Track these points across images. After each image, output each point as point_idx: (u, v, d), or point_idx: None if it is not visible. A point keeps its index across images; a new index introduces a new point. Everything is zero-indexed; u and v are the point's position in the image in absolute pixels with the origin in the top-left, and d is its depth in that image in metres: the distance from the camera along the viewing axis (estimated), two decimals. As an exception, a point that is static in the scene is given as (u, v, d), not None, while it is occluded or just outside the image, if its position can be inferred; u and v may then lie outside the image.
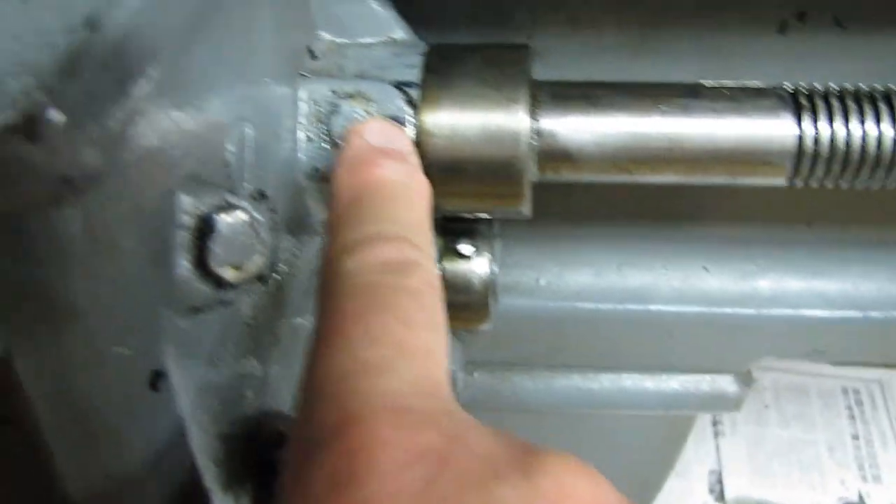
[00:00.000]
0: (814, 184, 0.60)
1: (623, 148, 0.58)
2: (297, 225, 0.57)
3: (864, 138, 0.58)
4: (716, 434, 1.64)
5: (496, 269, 0.69)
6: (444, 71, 0.58)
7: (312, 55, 0.59)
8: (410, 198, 0.49)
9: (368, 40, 0.61)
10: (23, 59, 0.32)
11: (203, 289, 0.41)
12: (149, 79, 0.34)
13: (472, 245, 0.67)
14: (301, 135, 0.57)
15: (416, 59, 0.58)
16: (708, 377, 0.87)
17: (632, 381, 0.88)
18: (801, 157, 0.58)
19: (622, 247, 0.82)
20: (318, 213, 0.60)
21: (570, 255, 0.82)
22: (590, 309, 0.81)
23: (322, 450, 0.36)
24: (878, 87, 0.60)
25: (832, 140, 0.58)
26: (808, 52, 0.69)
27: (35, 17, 0.35)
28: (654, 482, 1.11)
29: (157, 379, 0.40)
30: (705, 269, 0.82)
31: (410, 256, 0.44)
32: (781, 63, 0.69)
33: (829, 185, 0.60)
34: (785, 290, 0.81)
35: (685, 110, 0.58)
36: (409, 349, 0.40)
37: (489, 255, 0.68)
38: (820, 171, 0.59)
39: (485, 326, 0.70)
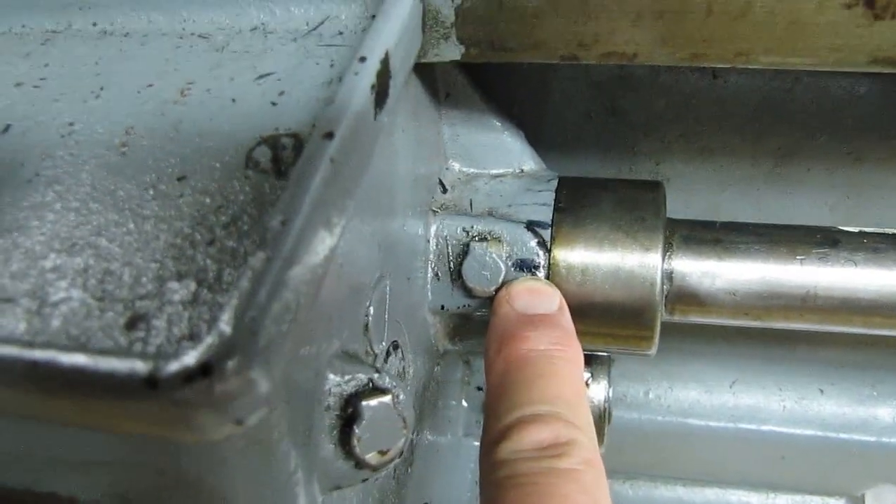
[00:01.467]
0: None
1: (755, 296, 0.56)
2: (421, 359, 0.57)
3: None
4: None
5: (611, 394, 0.67)
6: (576, 211, 0.57)
7: (443, 188, 0.59)
8: (560, 370, 0.48)
9: (498, 171, 0.61)
10: (183, 258, 0.32)
11: (345, 468, 0.41)
12: (311, 294, 0.33)
13: (590, 372, 0.66)
14: (429, 272, 0.56)
15: (548, 196, 0.57)
16: (818, 499, 0.84)
17: (737, 498, 0.85)
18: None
19: (735, 364, 0.80)
20: (439, 343, 0.59)
21: (679, 369, 0.80)
22: (699, 425, 0.79)
23: None
24: None
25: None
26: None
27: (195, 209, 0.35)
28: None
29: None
30: (821, 391, 0.79)
31: (564, 436, 0.44)
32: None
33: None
34: (905, 417, 0.78)
35: (823, 261, 0.56)
36: None
37: (606, 383, 0.67)
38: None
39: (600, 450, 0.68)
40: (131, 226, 0.36)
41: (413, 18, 0.45)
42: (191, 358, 0.28)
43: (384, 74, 0.40)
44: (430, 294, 0.56)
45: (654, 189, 0.58)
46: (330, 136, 0.36)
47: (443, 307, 0.57)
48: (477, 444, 0.67)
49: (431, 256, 0.56)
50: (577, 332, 0.56)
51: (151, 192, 0.39)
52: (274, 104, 0.42)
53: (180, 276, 0.34)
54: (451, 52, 0.49)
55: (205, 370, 0.28)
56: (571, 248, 0.55)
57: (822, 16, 0.45)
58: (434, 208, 0.57)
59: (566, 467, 0.42)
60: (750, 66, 0.47)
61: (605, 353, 0.67)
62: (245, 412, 0.29)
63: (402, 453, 0.42)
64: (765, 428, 0.79)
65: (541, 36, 0.48)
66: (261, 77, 0.45)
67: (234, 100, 0.43)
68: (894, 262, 0.56)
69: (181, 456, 0.35)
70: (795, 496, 0.84)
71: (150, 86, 0.46)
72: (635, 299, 0.55)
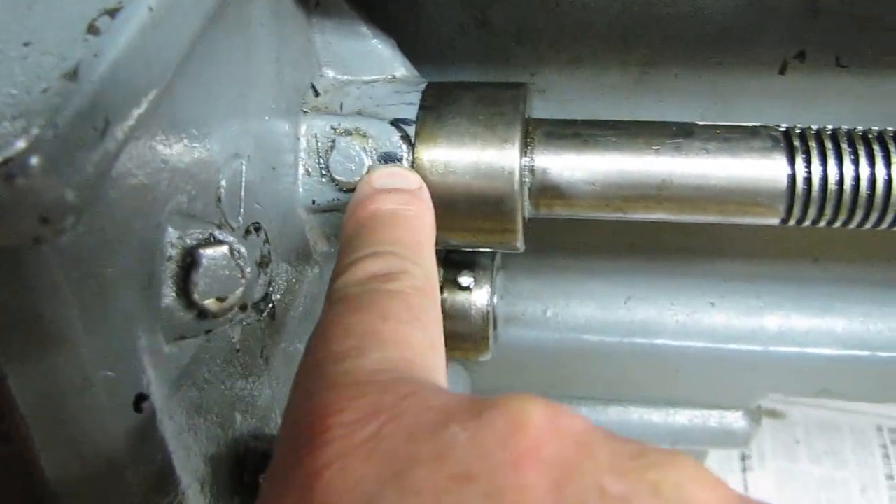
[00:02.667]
0: (808, 224, 0.62)
1: (615, 186, 0.60)
2: (295, 255, 0.60)
3: (856, 179, 0.59)
4: (744, 469, 1.63)
5: (496, 300, 0.71)
6: (439, 108, 0.60)
7: (315, 92, 0.62)
8: (403, 222, 0.52)
9: (371, 77, 0.64)
10: (19, 103, 0.35)
11: (187, 318, 0.44)
12: (129, 123, 0.37)
13: (472, 277, 0.70)
14: (301, 169, 0.60)
15: (415, 97, 0.61)
16: (716, 413, 0.88)
17: (638, 415, 0.89)
18: (794, 197, 0.60)
19: (629, 280, 0.84)
20: (316, 244, 0.63)
21: (576, 287, 0.84)
22: (595, 341, 0.83)
23: (287, 428, 0.39)
24: (874, 128, 0.61)
25: (824, 181, 0.59)
26: (808, 92, 0.70)
27: (34, 66, 0.38)
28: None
29: (141, 401, 0.43)
30: (712, 304, 0.83)
31: (396, 266, 0.47)
32: (782, 103, 0.71)
33: (824, 225, 0.62)
34: (792, 327, 0.83)
35: (677, 150, 0.60)
36: (381, 338, 0.42)
37: (489, 288, 0.70)
38: (813, 211, 0.60)
39: (484, 357, 0.72)
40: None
41: None
42: (-4, 158, 0.32)
43: (213, -55, 0.44)
44: (301, 189, 0.60)
45: (515, 88, 0.62)
46: (149, -10, 0.40)
47: (314, 202, 0.60)
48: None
49: (302, 154, 0.60)
50: (444, 228, 0.59)
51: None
52: (121, -18, 0.45)
53: (13, 117, 0.37)
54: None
55: (5, 162, 0.31)
56: (434, 142, 0.59)
57: None
58: (305, 109, 0.61)
59: (393, 289, 0.45)
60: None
61: (488, 259, 0.71)
62: (51, 212, 0.33)
63: (244, 305, 0.46)
64: (658, 342, 0.83)
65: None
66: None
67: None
68: (745, 151, 0.60)
69: (18, 283, 0.38)
70: (695, 411, 0.88)
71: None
72: (495, 190, 0.58)
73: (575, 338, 0.84)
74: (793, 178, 0.59)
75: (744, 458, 1.64)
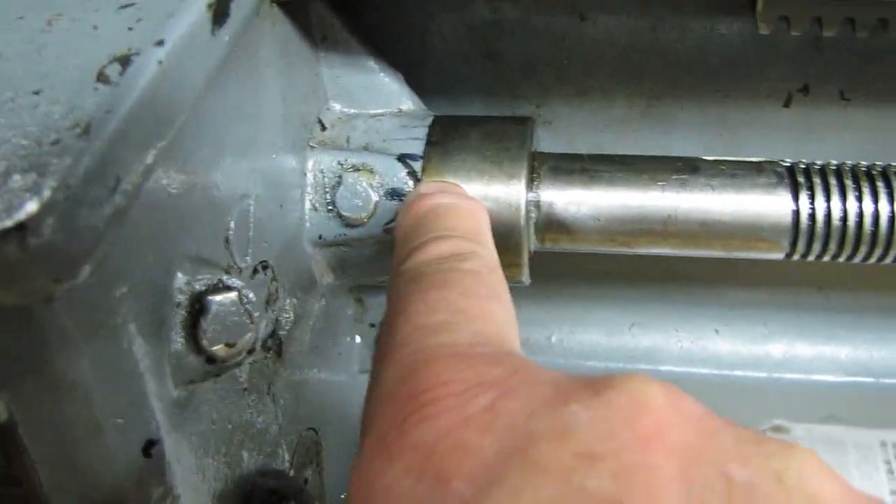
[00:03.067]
0: (812, 259, 0.62)
1: (619, 221, 0.60)
2: (301, 289, 0.61)
3: (860, 216, 0.60)
4: (748, 485, 1.63)
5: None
6: (446, 144, 0.61)
7: (322, 126, 0.63)
8: (462, 213, 0.51)
9: (378, 111, 0.64)
10: (30, 155, 0.35)
11: (196, 363, 0.44)
12: (138, 177, 0.37)
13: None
14: (307, 204, 0.60)
15: (421, 132, 0.61)
16: (719, 438, 0.88)
17: (642, 440, 0.89)
18: (798, 233, 0.60)
19: (634, 307, 0.84)
20: (322, 277, 0.63)
21: (581, 314, 0.85)
22: (600, 368, 0.83)
23: (386, 403, 0.37)
24: (878, 164, 0.62)
25: (828, 217, 0.60)
26: (813, 125, 0.71)
27: (43, 116, 0.39)
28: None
29: (150, 447, 0.43)
30: (716, 331, 0.84)
31: (465, 248, 0.47)
32: (787, 136, 0.71)
33: (828, 260, 0.62)
34: (796, 354, 0.83)
35: (683, 186, 0.60)
36: (468, 313, 0.41)
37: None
38: (817, 247, 0.61)
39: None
40: (-15, 134, 0.40)
41: (260, -52, 0.49)
42: (9, 220, 0.32)
43: (223, -6, 0.44)
44: (308, 224, 0.60)
45: (521, 123, 0.62)
46: (161, 43, 0.40)
47: (321, 237, 0.61)
48: (372, 379, 0.71)
49: (308, 189, 0.60)
50: (451, 261, 0.60)
51: (10, 104, 0.42)
52: (130, 29, 0.46)
53: (24, 171, 0.37)
54: (312, -13, 0.53)
55: (20, 227, 0.32)
56: (441, 177, 0.59)
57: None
58: (312, 144, 0.61)
59: (468, 268, 0.45)
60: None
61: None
62: (63, 271, 0.33)
63: (252, 349, 0.46)
64: (663, 368, 0.83)
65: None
66: (123, 7, 0.48)
67: (95, 27, 0.47)
68: (750, 187, 0.60)
69: (30, 336, 0.38)
70: (697, 436, 0.88)
71: (21, 18, 0.49)
72: (501, 225, 0.59)
73: (580, 364, 0.84)
74: (797, 214, 0.60)
75: (748, 473, 1.64)
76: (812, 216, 0.60)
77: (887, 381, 0.82)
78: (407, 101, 0.65)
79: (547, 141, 0.72)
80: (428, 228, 0.49)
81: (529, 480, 0.31)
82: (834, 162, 0.62)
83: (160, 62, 0.39)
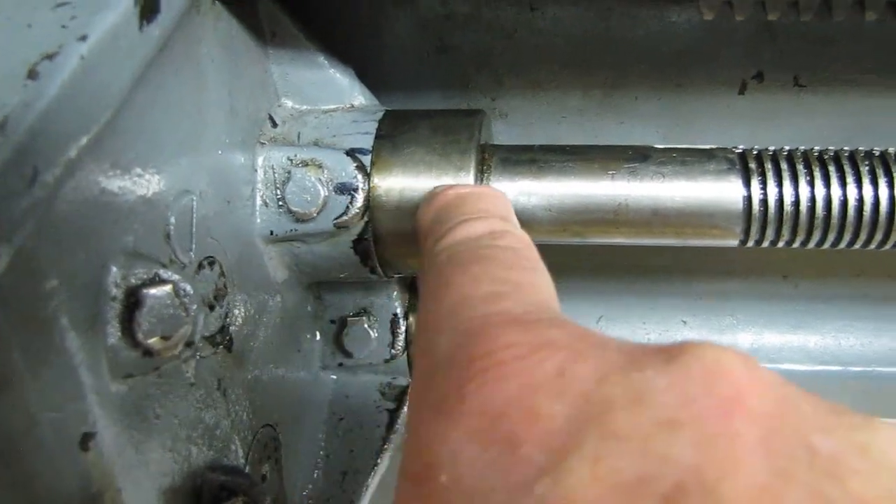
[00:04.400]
0: (766, 245, 0.62)
1: (571, 211, 0.61)
2: (254, 285, 0.61)
3: (811, 200, 0.60)
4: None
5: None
6: (395, 137, 0.61)
7: (273, 123, 0.63)
8: (486, 197, 0.51)
9: (329, 107, 0.65)
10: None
11: (133, 356, 0.45)
12: (59, 169, 0.38)
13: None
14: (258, 200, 0.60)
15: (371, 126, 0.62)
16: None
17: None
18: (750, 219, 0.60)
19: (602, 299, 0.85)
20: (276, 272, 0.63)
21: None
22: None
23: (444, 369, 0.36)
24: (830, 148, 0.62)
25: (780, 202, 0.60)
26: (768, 112, 0.71)
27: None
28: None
29: (87, 440, 0.43)
30: (684, 322, 0.84)
31: (498, 227, 0.47)
32: (742, 123, 0.72)
33: (783, 245, 0.62)
34: (764, 343, 0.83)
35: (633, 174, 0.61)
36: (515, 283, 0.41)
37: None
38: (770, 232, 0.61)
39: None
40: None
41: (192, -57, 0.50)
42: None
43: (151, -10, 0.45)
44: (258, 220, 0.61)
45: (471, 115, 0.63)
46: (84, 38, 0.41)
47: (272, 232, 0.61)
48: (333, 377, 0.72)
49: (259, 185, 0.61)
50: (401, 255, 0.61)
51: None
52: (64, 27, 0.46)
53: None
54: (251, -18, 0.54)
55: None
56: (389, 171, 0.60)
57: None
58: (262, 141, 0.61)
59: (505, 244, 0.45)
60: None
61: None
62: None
63: (189, 342, 0.47)
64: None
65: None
66: (59, 6, 0.49)
67: (30, 25, 0.47)
68: (701, 174, 0.61)
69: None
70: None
71: (-44, 19, 0.50)
72: (451, 217, 0.59)
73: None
74: (748, 199, 0.60)
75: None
76: (764, 202, 0.60)
77: (855, 369, 0.82)
78: (359, 96, 0.65)
79: (504, 134, 0.72)
80: (458, 212, 0.49)
81: (608, 448, 0.30)
82: (786, 147, 0.62)
83: (82, 57, 0.40)
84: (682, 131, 0.72)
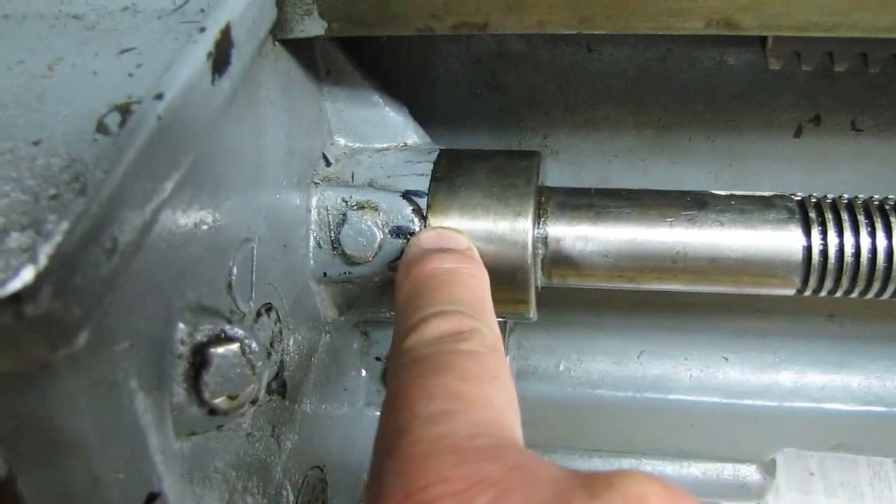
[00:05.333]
0: (824, 294, 0.61)
1: (628, 258, 0.60)
2: (306, 326, 0.60)
3: (873, 251, 0.59)
4: (758, 501, 1.62)
5: (509, 360, 0.71)
6: (452, 179, 0.60)
7: (327, 161, 0.62)
8: (463, 280, 0.52)
9: (382, 145, 0.64)
10: (29, 211, 0.35)
11: (198, 414, 0.44)
12: (135, 235, 0.37)
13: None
14: (312, 241, 0.60)
15: (426, 167, 0.61)
16: (730, 466, 0.88)
17: (652, 467, 0.88)
18: (809, 270, 0.59)
19: (642, 335, 0.84)
20: (326, 313, 0.62)
21: (589, 342, 0.84)
22: (608, 396, 0.82)
23: (386, 498, 0.37)
24: (891, 197, 0.61)
25: (840, 253, 0.59)
26: (824, 156, 0.70)
27: (43, 169, 0.38)
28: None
29: (152, 500, 0.43)
30: (725, 359, 0.83)
31: (466, 325, 0.47)
32: (798, 167, 0.71)
33: (841, 295, 0.61)
34: (807, 383, 0.82)
35: (691, 222, 0.60)
36: (468, 399, 0.42)
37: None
38: (829, 283, 0.60)
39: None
40: (-15, 187, 0.39)
41: (262, -7, 0.49)
42: (5, 291, 0.31)
43: (224, 43, 0.44)
44: (312, 262, 0.60)
45: (528, 158, 0.62)
46: (160, 97, 0.40)
47: (325, 274, 0.60)
48: (377, 413, 0.71)
49: (313, 226, 0.60)
50: (457, 298, 0.59)
51: (9, 156, 0.42)
52: (131, 75, 0.45)
53: (23, 228, 0.37)
54: (315, 27, 0.53)
55: (16, 297, 0.31)
56: (446, 214, 0.59)
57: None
58: (316, 180, 0.60)
59: (468, 349, 0.45)
60: (596, 32, 0.51)
61: (501, 323, 0.71)
62: (60, 338, 0.33)
63: (254, 400, 0.46)
64: (671, 397, 0.82)
65: (396, 9, 0.51)
66: (123, 52, 0.48)
67: (95, 72, 0.46)
68: (760, 223, 0.60)
69: (29, 395, 0.38)
70: (708, 464, 0.88)
71: (21, 62, 0.49)
72: (508, 262, 0.58)
73: (588, 392, 0.83)
74: (808, 250, 0.59)
75: (758, 489, 1.62)
76: (824, 252, 0.59)
77: (900, 409, 0.81)
78: (412, 134, 0.64)
79: (554, 171, 0.71)
80: (428, 301, 0.49)
81: None
82: (846, 196, 0.61)
83: (159, 117, 0.39)
84: (736, 173, 0.71)
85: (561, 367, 0.84)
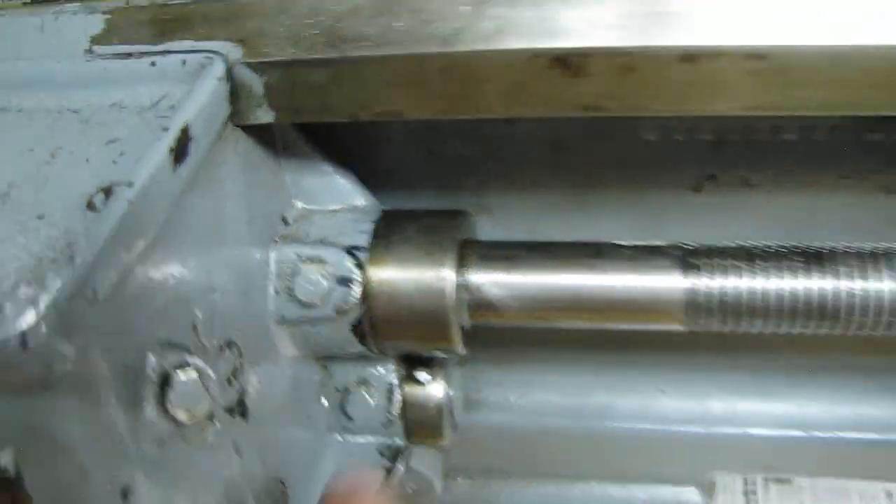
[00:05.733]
0: (713, 329, 0.76)
1: (535, 300, 0.75)
2: (267, 362, 0.76)
3: (751, 292, 0.73)
4: (752, 536, 1.72)
5: (451, 393, 0.86)
6: (389, 236, 0.76)
7: (285, 222, 0.78)
8: None
9: (334, 207, 0.80)
10: (34, 271, 0.51)
11: (165, 426, 0.59)
12: (109, 289, 0.53)
13: (429, 374, 0.84)
14: (271, 290, 0.75)
15: (369, 226, 0.76)
16: (671, 488, 1.02)
17: (601, 490, 1.02)
18: (691, 309, 0.74)
19: (588, 369, 0.98)
20: (286, 350, 0.78)
21: (536, 376, 0.99)
22: (554, 425, 0.97)
23: None
24: (770, 244, 0.75)
25: (720, 294, 0.73)
26: (722, 210, 0.85)
27: (45, 239, 0.54)
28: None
29: (128, 492, 0.58)
30: (662, 391, 0.97)
31: None
32: (699, 220, 0.85)
33: (727, 331, 0.76)
34: (735, 410, 0.96)
35: (590, 269, 0.75)
36: None
37: (444, 382, 0.85)
38: (715, 320, 0.74)
39: (443, 443, 0.87)
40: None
41: (216, 96, 0.65)
42: (15, 329, 0.47)
43: (183, 139, 0.60)
44: (271, 306, 0.75)
45: (453, 216, 0.77)
46: (131, 185, 0.56)
47: (283, 317, 0.76)
48: (339, 438, 0.86)
49: (272, 276, 0.75)
50: (394, 337, 0.75)
51: (20, 227, 0.58)
52: (114, 162, 0.61)
53: (29, 283, 0.53)
54: (266, 116, 0.69)
55: (23, 334, 0.47)
56: (382, 266, 0.74)
57: (535, 77, 0.64)
58: (276, 238, 0.76)
59: None
60: (489, 117, 0.66)
61: (445, 356, 0.86)
62: (55, 364, 0.48)
63: (210, 415, 0.61)
64: (613, 424, 0.97)
65: (329, 102, 0.67)
66: (110, 142, 0.64)
67: (87, 160, 0.63)
68: (647, 269, 0.74)
69: (32, 406, 0.53)
70: (650, 487, 1.01)
71: (31, 150, 0.65)
72: (433, 306, 0.74)
73: (536, 421, 0.98)
74: (690, 291, 0.73)
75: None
76: (705, 294, 0.73)
77: (819, 434, 0.94)
78: (359, 197, 0.80)
79: (487, 226, 0.87)
80: None
81: None
82: (730, 243, 0.75)
83: (130, 201, 0.55)
84: (644, 226, 0.86)
85: (511, 399, 0.99)
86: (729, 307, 0.73)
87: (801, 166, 0.83)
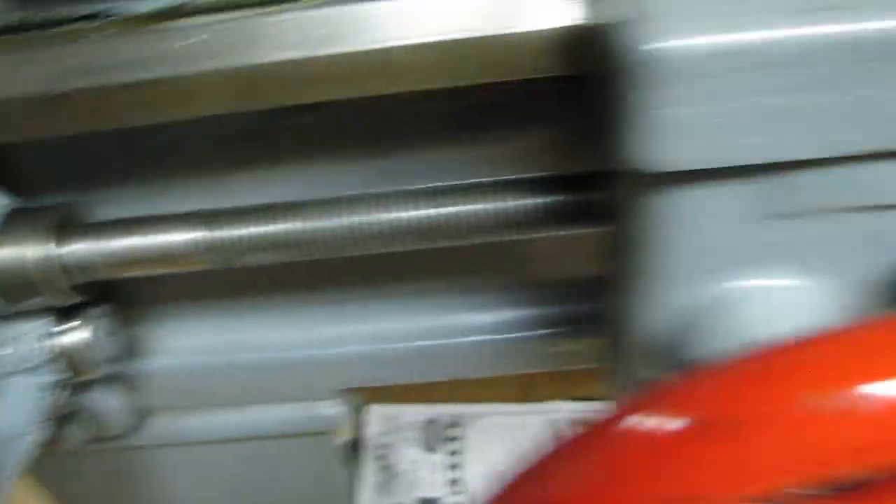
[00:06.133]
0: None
1: (118, 257, 1.08)
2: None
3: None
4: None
5: (98, 338, 1.20)
6: (9, 224, 1.10)
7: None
8: None
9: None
10: None
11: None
12: None
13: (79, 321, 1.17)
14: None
15: (-1, 219, 1.10)
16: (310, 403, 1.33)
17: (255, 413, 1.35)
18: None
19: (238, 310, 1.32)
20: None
21: (204, 321, 1.30)
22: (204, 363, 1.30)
23: None
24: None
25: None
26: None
27: None
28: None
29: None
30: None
31: None
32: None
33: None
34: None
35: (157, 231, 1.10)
36: None
37: (92, 329, 1.19)
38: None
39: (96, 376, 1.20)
40: None
41: None
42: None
43: None
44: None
45: (54, 207, 1.12)
46: None
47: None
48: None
49: None
50: (13, 300, 1.10)
51: None
52: None
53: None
54: None
55: None
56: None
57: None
58: None
59: None
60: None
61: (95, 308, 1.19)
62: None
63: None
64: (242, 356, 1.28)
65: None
66: None
67: None
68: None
69: None
70: (295, 404, 1.31)
71: None
72: (29, 272, 1.06)
73: (208, 360, 1.27)
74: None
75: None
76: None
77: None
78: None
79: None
80: None
81: None
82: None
83: None
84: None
85: (185, 343, 1.29)
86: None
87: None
